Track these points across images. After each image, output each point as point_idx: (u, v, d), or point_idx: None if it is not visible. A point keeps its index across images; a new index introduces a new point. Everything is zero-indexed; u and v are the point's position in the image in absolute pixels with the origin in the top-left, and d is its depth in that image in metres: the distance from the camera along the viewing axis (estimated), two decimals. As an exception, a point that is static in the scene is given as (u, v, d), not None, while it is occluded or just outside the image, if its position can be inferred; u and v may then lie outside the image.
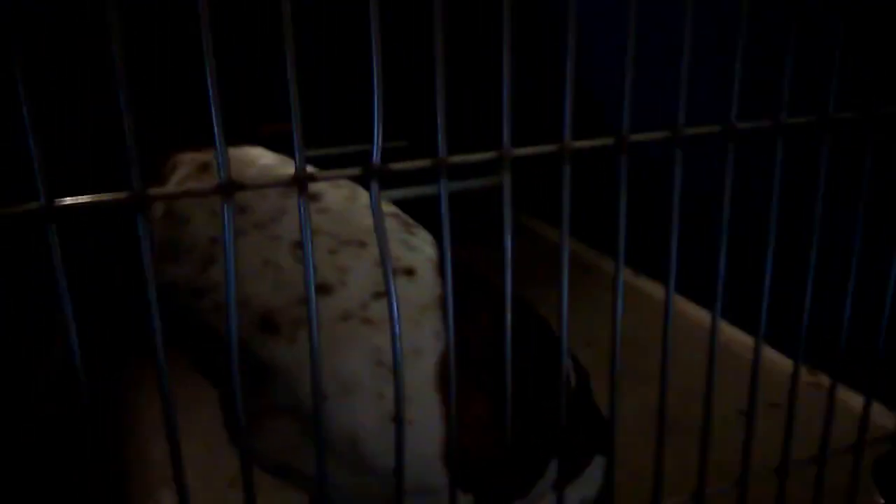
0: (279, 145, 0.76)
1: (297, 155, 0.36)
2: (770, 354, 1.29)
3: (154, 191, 0.35)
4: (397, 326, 0.41)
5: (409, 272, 0.65)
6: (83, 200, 0.34)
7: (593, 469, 0.83)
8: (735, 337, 1.39)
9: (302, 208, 0.36)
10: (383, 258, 0.39)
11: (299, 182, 0.36)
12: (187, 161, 0.65)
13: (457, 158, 0.37)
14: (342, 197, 0.68)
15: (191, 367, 0.74)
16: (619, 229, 0.39)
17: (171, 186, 0.68)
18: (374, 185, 0.37)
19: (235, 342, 0.39)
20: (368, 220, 0.67)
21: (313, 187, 0.67)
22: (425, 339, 0.65)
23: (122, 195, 0.34)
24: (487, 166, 2.03)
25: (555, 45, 1.79)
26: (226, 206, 0.35)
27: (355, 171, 0.37)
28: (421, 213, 0.84)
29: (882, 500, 0.86)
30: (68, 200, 0.34)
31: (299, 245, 0.64)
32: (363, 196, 0.70)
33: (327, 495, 0.43)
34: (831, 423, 0.55)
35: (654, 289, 1.61)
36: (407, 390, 0.63)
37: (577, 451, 0.80)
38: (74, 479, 1.06)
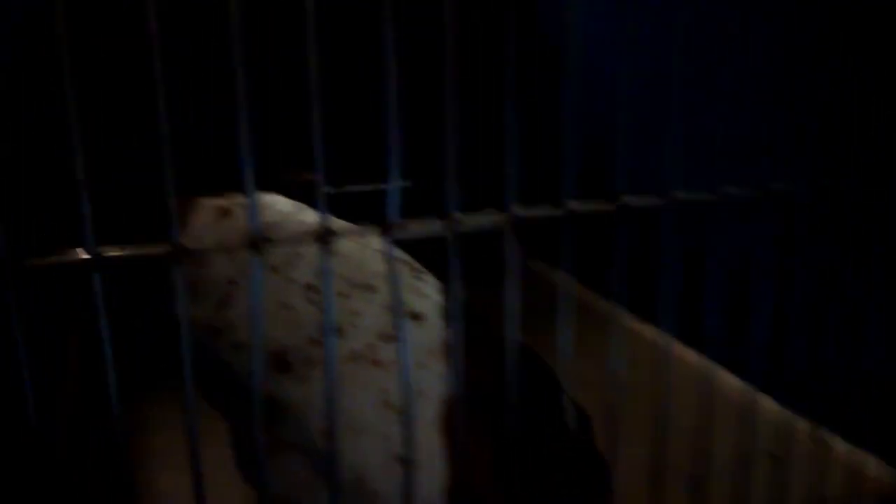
0: (289, 191, 0.79)
1: (321, 211, 0.39)
2: (769, 405, 1.31)
3: (190, 247, 0.38)
4: (408, 372, 0.44)
5: (417, 317, 0.68)
6: (126, 253, 0.37)
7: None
8: (736, 384, 1.41)
9: (325, 262, 0.39)
10: (396, 307, 0.42)
11: (322, 238, 0.39)
12: (207, 206, 0.69)
13: (469, 222, 0.40)
14: (354, 242, 0.72)
15: (199, 401, 0.77)
16: (661, 294, 0.42)
17: (194, 231, 0.72)
18: (391, 242, 0.40)
19: (259, 391, 0.42)
20: (378, 266, 0.70)
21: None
22: (430, 382, 0.67)
23: (162, 249, 0.37)
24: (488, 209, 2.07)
25: (556, 104, 1.84)
26: (256, 260, 0.38)
27: (374, 229, 0.40)
28: (423, 248, 0.87)
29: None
30: (113, 252, 0.37)
31: (312, 288, 0.68)
32: (374, 242, 0.73)
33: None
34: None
35: (657, 336, 1.63)
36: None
37: (578, 492, 0.82)
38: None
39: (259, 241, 0.39)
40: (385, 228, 0.40)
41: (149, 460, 1.21)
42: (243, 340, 0.67)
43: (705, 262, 1.44)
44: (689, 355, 1.52)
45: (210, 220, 0.71)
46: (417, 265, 0.74)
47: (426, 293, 0.71)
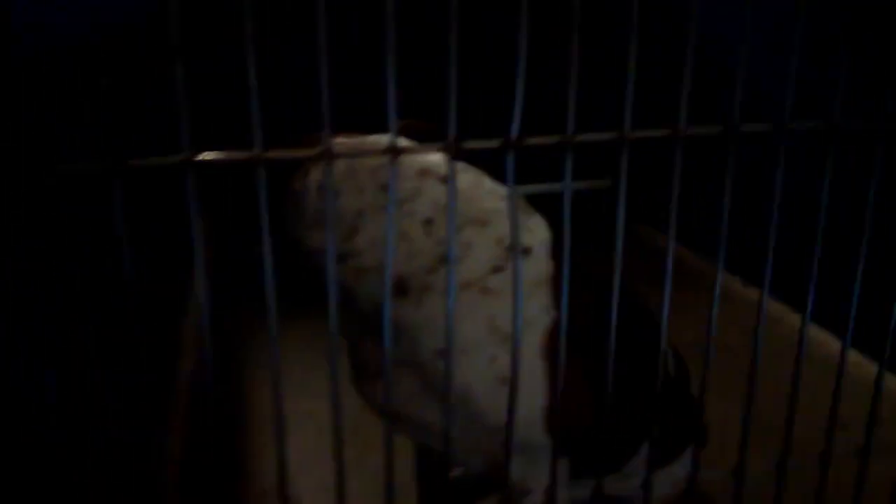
0: (409, 137, 0.85)
1: (450, 125, 0.44)
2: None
3: (338, 149, 0.44)
4: (520, 301, 0.49)
5: (526, 251, 0.72)
6: (285, 155, 0.43)
7: (686, 457, 0.87)
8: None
9: (451, 171, 0.44)
10: (512, 220, 0.46)
11: (451, 148, 0.44)
12: (337, 144, 0.75)
13: (583, 139, 0.44)
14: (468, 182, 0.76)
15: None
16: (723, 218, 0.44)
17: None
18: (511, 156, 0.44)
19: (390, 287, 0.47)
20: (490, 203, 0.74)
21: (446, 172, 0.75)
22: (535, 313, 0.71)
23: (314, 151, 0.43)
24: (601, 171, 2.07)
25: (673, 37, 1.82)
26: (391, 165, 0.44)
27: (495, 142, 0.44)
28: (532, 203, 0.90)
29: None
30: (272, 154, 0.43)
31: (430, 221, 0.73)
32: (486, 182, 0.77)
33: (449, 440, 0.51)
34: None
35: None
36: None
37: (671, 436, 0.84)
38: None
39: (396, 149, 0.44)
40: (508, 142, 0.44)
41: (256, 386, 1.32)
42: (367, 265, 0.73)
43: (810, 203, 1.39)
44: (794, 319, 1.48)
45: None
46: (527, 205, 0.78)
47: (534, 230, 0.74)
